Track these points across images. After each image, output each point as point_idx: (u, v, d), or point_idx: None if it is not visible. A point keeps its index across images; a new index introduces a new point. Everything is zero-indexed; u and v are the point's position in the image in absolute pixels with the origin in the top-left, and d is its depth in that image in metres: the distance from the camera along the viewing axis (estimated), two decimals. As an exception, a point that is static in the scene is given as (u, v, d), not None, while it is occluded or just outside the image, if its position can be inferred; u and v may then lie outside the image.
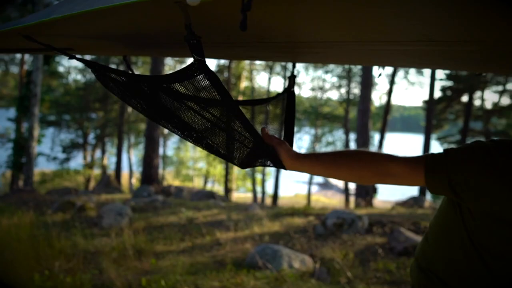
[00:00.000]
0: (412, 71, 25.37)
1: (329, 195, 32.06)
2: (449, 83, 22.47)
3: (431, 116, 19.92)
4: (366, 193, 13.93)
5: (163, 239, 6.76)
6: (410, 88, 79.21)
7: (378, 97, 61.94)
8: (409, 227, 6.41)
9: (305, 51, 1.75)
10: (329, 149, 29.86)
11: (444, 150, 1.32)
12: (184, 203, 10.67)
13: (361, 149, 1.51)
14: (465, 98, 21.83)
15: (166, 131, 31.07)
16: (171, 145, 33.36)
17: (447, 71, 21.64)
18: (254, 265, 5.02)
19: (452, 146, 24.36)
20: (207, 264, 5.41)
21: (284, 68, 26.97)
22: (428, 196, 19.44)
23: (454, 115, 23.81)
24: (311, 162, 1.39)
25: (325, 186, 35.76)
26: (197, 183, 32.29)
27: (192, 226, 7.49)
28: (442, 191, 1.30)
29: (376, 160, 1.36)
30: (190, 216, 8.33)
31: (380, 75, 2.04)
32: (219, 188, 27.47)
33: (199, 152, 32.74)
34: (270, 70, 26.63)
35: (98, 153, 28.47)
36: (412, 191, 20.46)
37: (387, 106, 20.94)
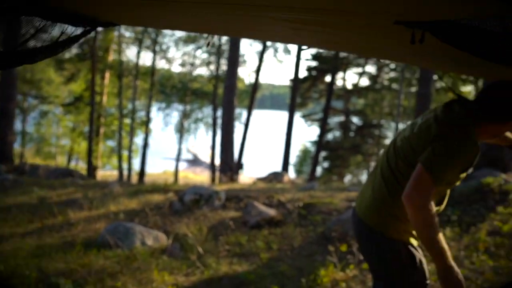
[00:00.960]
0: (281, 50, 26.46)
1: (198, 171, 32.40)
2: (314, 63, 23.89)
3: (296, 95, 21.06)
4: (229, 169, 14.34)
5: (9, 221, 6.24)
6: (279, 66, 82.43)
7: (247, 75, 63.29)
8: (264, 201, 6.74)
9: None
10: (199, 125, 30.00)
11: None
12: (39, 182, 9.93)
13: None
14: (328, 78, 23.38)
15: (26, 104, 28.32)
16: (31, 120, 30.59)
17: (313, 51, 22.97)
18: (105, 245, 4.90)
19: (316, 123, 25.95)
20: (55, 246, 5.13)
21: (155, 42, 26.20)
22: (290, 172, 20.60)
23: (318, 94, 25.49)
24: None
25: (194, 162, 36.01)
26: (61, 161, 30.20)
27: (44, 206, 7.02)
28: None
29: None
30: (42, 195, 7.78)
31: (208, 44, 2.09)
32: (83, 166, 26.03)
33: (62, 128, 30.55)
34: (140, 43, 25.65)
35: None
36: (276, 167, 21.63)
37: (255, 84, 21.61)
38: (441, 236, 1.73)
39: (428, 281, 1.98)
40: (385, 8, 1.09)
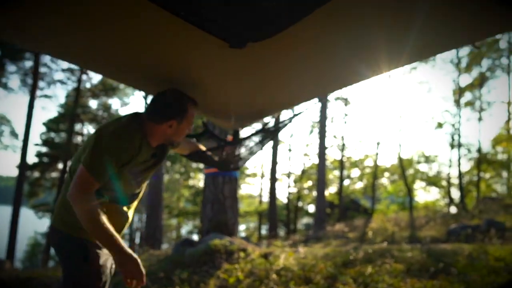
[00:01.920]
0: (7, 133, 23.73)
1: None
2: (44, 149, 22.21)
3: (23, 184, 18.94)
4: None
5: None
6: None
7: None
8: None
9: None
10: None
11: None
12: None
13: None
14: (60, 165, 21.93)
15: None
16: None
17: (44, 136, 21.33)
18: None
19: (48, 214, 23.53)
20: None
21: None
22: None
23: (50, 182, 23.48)
24: None
25: None
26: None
27: None
28: None
29: None
30: None
31: None
32: None
33: None
34: None
35: None
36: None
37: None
38: (108, 227, 1.83)
39: (103, 278, 2.08)
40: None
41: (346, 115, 25.09)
